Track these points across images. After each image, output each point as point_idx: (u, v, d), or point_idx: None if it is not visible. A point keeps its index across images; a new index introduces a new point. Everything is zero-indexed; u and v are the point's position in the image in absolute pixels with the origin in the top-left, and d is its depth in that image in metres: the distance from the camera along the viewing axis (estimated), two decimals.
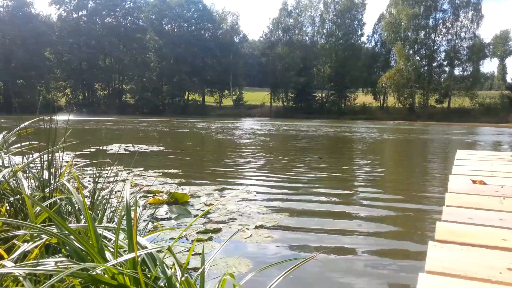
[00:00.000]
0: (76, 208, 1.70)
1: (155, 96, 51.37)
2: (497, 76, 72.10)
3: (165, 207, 3.56)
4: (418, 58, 47.07)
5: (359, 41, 53.34)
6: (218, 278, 1.23)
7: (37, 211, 1.59)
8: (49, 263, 1.15)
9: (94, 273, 1.11)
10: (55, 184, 1.84)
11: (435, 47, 47.26)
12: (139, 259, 1.17)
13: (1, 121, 16.30)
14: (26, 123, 2.13)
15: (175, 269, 1.23)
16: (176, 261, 1.21)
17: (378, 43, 54.75)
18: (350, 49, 51.11)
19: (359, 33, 52.63)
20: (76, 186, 1.82)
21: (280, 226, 3.19)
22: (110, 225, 1.62)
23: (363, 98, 52.79)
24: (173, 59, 50.85)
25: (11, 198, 1.77)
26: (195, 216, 3.37)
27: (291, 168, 6.74)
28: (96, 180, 2.02)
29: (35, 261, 1.18)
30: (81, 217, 1.59)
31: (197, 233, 2.91)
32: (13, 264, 1.14)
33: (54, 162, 1.94)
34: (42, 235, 1.28)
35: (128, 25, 51.34)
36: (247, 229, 3.06)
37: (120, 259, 1.15)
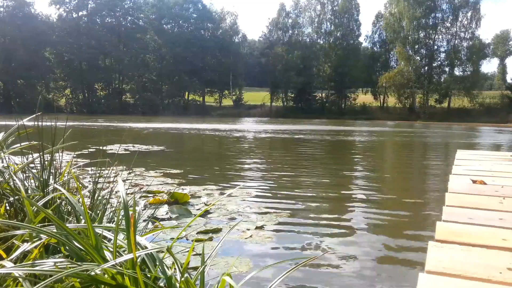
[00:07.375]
0: (76, 208, 1.69)
1: (155, 96, 51.31)
2: (497, 76, 71.98)
3: (165, 207, 3.56)
4: (418, 58, 47.04)
5: (358, 41, 53.31)
6: (217, 278, 1.23)
7: (36, 211, 1.59)
8: (49, 264, 1.15)
9: (93, 273, 1.10)
10: (54, 184, 1.83)
11: (435, 47, 47.25)
12: (138, 259, 1.17)
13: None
14: (24, 121, 2.13)
15: (175, 269, 1.23)
16: (175, 261, 1.21)
17: (378, 43, 54.74)
18: (349, 49, 51.01)
19: (357, 33, 52.63)
20: (76, 186, 1.81)
21: (281, 227, 3.19)
22: (109, 225, 1.62)
23: (363, 98, 52.75)
24: (172, 59, 50.76)
25: (11, 198, 1.77)
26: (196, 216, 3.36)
27: (292, 169, 6.74)
28: (96, 180, 2.02)
29: (33, 261, 1.18)
30: (81, 217, 1.58)
31: (197, 233, 2.91)
32: (13, 265, 1.13)
33: (54, 162, 1.94)
34: (41, 235, 1.28)
35: (128, 25, 51.26)
36: (248, 229, 3.06)
37: (118, 260, 1.14)
